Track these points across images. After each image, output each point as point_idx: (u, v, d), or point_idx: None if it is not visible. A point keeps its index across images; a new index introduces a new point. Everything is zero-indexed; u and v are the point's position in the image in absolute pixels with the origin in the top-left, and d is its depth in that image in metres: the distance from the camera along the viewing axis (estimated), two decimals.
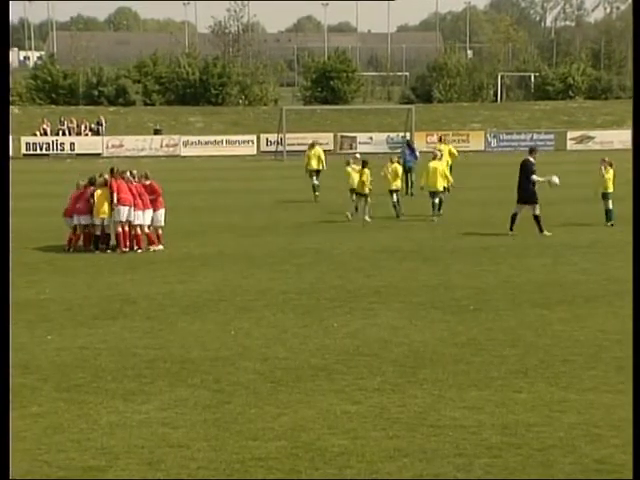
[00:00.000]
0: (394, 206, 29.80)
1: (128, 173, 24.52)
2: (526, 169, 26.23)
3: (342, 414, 11.78)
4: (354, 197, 30.11)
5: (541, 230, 26.06)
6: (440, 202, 29.72)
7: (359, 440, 10.88)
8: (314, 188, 35.64)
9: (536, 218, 26.10)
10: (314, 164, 36.30)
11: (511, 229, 26.26)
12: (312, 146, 37.37)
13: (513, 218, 26.37)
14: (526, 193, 26.16)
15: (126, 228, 23.92)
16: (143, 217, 23.94)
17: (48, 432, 11.21)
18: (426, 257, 23.17)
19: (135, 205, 23.79)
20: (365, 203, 28.95)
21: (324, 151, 37.69)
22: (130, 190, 23.93)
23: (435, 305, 17.89)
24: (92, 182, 24.47)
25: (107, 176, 24.51)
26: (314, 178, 36.05)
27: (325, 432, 11.14)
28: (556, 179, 26.65)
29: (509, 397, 12.36)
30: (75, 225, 24.26)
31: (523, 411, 11.81)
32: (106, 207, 23.78)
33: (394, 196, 29.75)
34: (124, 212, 23.72)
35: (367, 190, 28.80)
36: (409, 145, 40.03)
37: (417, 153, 39.72)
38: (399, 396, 12.47)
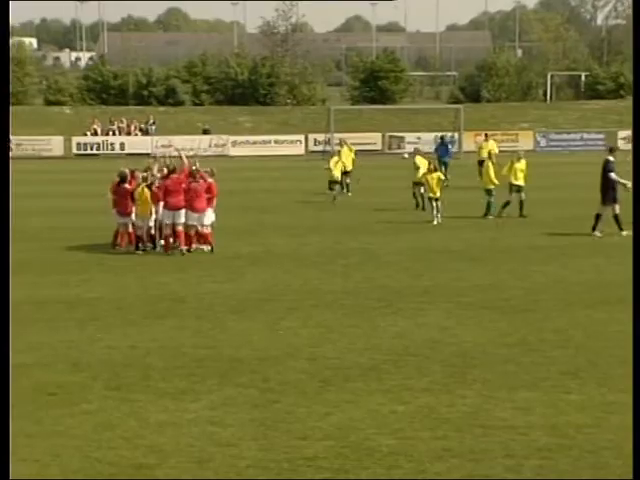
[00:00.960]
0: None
1: (197, 170, 24.32)
2: (606, 169, 25.94)
3: (390, 414, 11.77)
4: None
5: (621, 229, 25.54)
6: (490, 203, 29.63)
7: (407, 440, 10.86)
8: (346, 187, 35.92)
9: (615, 217, 25.70)
10: (348, 163, 36.39)
11: (593, 229, 25.90)
12: (343, 145, 37.51)
13: (597, 218, 26.01)
14: (603, 193, 25.85)
15: (168, 230, 23.70)
16: (198, 217, 23.80)
17: (98, 429, 11.31)
18: (475, 257, 23.06)
19: (189, 207, 23.64)
20: (437, 204, 28.57)
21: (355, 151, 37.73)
22: (185, 191, 23.67)
23: (484, 305, 17.80)
24: (123, 179, 24.38)
25: (157, 173, 24.56)
26: (347, 177, 36.20)
27: (373, 432, 11.13)
28: (630, 185, 26.30)
29: (559, 398, 12.28)
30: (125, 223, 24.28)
31: (573, 412, 11.73)
32: (148, 207, 23.76)
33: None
34: (169, 215, 23.55)
35: (439, 193, 28.54)
36: (443, 141, 40.28)
37: (451, 149, 40.06)
38: (448, 396, 12.43)
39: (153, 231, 24.18)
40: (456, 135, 57.05)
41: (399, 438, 10.92)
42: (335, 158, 34.91)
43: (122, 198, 24.09)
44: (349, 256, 23.22)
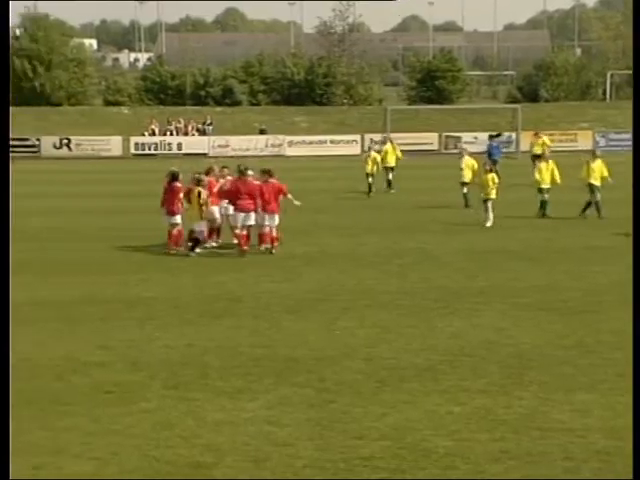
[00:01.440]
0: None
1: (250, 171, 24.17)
2: None
3: (447, 415, 11.76)
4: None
5: None
6: (543, 202, 29.59)
7: (464, 442, 10.84)
8: (388, 184, 36.87)
9: None
10: (391, 160, 37.25)
11: None
12: (387, 142, 39.14)
13: None
14: None
15: (238, 231, 23.48)
16: (270, 218, 23.66)
17: (156, 428, 11.42)
18: (532, 257, 22.92)
19: (263, 208, 23.47)
20: (489, 207, 28.19)
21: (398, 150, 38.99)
22: (254, 191, 23.44)
23: (541, 306, 17.69)
24: (175, 177, 24.29)
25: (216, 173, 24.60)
26: (389, 174, 37.12)
27: (430, 433, 11.12)
28: None
29: (617, 400, 12.17)
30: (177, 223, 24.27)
31: (631, 415, 11.60)
32: (199, 211, 23.54)
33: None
34: (240, 217, 23.35)
35: (493, 194, 28.21)
36: (493, 138, 40.91)
37: (501, 148, 40.97)
38: (505, 398, 12.38)
39: (205, 234, 24.03)
40: (513, 135, 56.85)
41: (456, 439, 10.91)
42: (370, 154, 36.72)
43: (172, 196, 24.16)
44: (405, 256, 23.19)
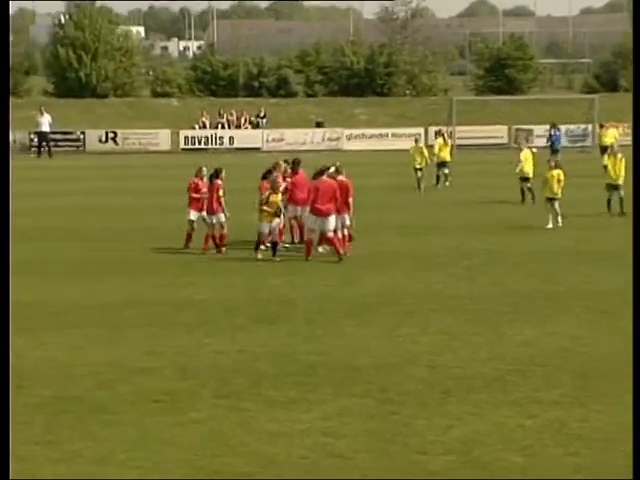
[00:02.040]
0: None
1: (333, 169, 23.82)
2: None
3: (517, 428, 11.68)
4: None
5: None
6: (620, 200, 29.30)
7: (536, 456, 10.75)
8: (443, 178, 37.55)
9: None
10: (445, 154, 37.76)
11: None
12: (438, 136, 40.35)
13: None
14: None
15: (312, 235, 23.05)
16: (342, 220, 23.17)
17: (208, 439, 11.44)
18: (608, 260, 22.68)
19: (338, 210, 22.89)
20: (555, 206, 27.78)
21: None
22: (334, 192, 22.81)
23: (616, 311, 17.49)
24: (218, 174, 24.33)
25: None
26: (444, 169, 37.63)
27: (499, 447, 11.05)
28: None
29: None
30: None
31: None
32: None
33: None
34: (315, 221, 22.74)
35: (559, 193, 27.84)
36: (554, 127, 42.46)
37: (561, 138, 41.87)
38: (580, 410, 12.27)
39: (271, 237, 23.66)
40: (589, 127, 56.46)
41: (527, 454, 10.82)
42: (414, 146, 37.84)
43: (213, 194, 24.24)
44: (472, 257, 23.09)
